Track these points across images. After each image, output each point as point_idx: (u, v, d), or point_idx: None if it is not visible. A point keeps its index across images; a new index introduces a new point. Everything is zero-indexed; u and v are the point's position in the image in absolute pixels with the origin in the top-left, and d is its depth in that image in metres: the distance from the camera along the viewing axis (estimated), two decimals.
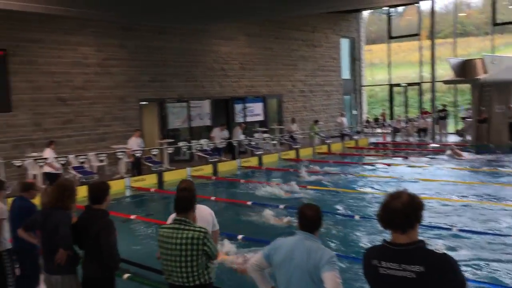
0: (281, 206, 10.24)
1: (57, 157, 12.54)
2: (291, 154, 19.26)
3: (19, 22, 14.30)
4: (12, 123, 14.27)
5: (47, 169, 12.27)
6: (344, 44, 27.33)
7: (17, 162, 12.43)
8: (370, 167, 15.79)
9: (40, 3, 11.96)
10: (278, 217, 9.41)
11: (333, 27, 26.16)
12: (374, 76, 32.45)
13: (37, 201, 5.61)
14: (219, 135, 17.91)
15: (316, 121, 22.07)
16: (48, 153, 12.61)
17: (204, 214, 4.62)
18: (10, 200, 8.79)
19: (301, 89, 24.27)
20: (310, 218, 3.26)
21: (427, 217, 8.73)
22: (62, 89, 15.40)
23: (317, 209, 3.31)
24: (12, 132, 14.25)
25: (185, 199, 3.88)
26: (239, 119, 21.10)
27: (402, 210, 2.45)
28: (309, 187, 12.35)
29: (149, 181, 14.49)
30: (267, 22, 21.95)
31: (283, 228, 8.55)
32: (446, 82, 22.35)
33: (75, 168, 13.86)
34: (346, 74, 27.65)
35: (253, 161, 17.71)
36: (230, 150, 18.43)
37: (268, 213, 9.63)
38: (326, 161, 17.32)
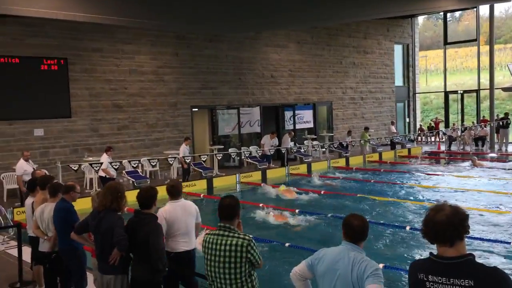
0: (329, 215, 10.17)
1: (111, 162, 13.03)
2: (341, 162, 19.06)
3: (80, 32, 15.06)
4: (71, 128, 15.03)
5: (102, 173, 12.77)
6: (398, 50, 26.76)
7: (75, 166, 13.04)
8: (422, 176, 15.36)
9: (102, 14, 12.54)
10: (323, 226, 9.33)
11: (386, 33, 25.70)
12: (429, 83, 31.56)
13: (82, 204, 5.90)
14: (269, 143, 18.01)
15: (366, 128, 21.70)
16: (105, 158, 13.12)
17: (188, 207, 5.31)
18: None
19: (352, 96, 23.98)
20: (356, 229, 3.18)
21: (479, 230, 8.41)
22: (118, 96, 16.06)
23: (363, 219, 3.23)
24: (71, 137, 15.01)
25: (229, 206, 3.90)
26: (288, 126, 21.08)
27: (448, 222, 2.39)
28: (359, 195, 12.20)
29: (199, 186, 14.77)
30: (317, 29, 21.90)
31: (329, 237, 8.48)
32: (505, 89, 21.40)
33: (128, 172, 14.36)
34: (399, 81, 27.04)
35: (302, 169, 17.67)
36: (279, 157, 18.48)
37: (311, 220, 9.57)
38: (377, 170, 17.01)
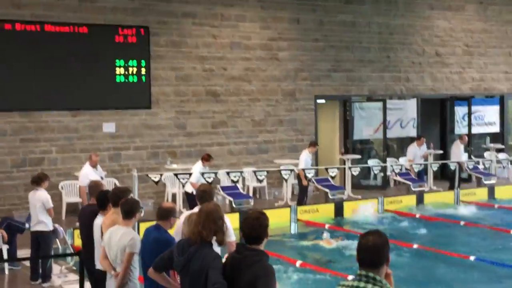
0: None
1: (204, 173, 13.42)
2: None
3: None
4: (151, 124, 15.79)
5: (189, 188, 13.20)
6: None
7: (155, 177, 13.61)
8: None
9: None
10: None
11: None
12: None
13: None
14: (414, 153, 17.59)
15: None
16: (198, 168, 13.53)
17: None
18: (142, 226, 9.75)
19: None
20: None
21: None
22: (214, 80, 16.59)
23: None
24: (150, 135, 15.76)
25: (374, 248, 3.81)
26: (460, 129, 20.39)
27: None
28: None
29: (322, 212, 14.74)
30: None
31: None
32: None
33: (224, 188, 14.67)
34: None
35: (479, 194, 16.98)
36: (444, 175, 17.92)
37: None
38: None
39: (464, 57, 20.41)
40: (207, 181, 13.41)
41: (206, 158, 13.73)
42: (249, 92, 17.07)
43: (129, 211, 6.10)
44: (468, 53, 20.47)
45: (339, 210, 14.91)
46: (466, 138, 18.89)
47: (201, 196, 6.45)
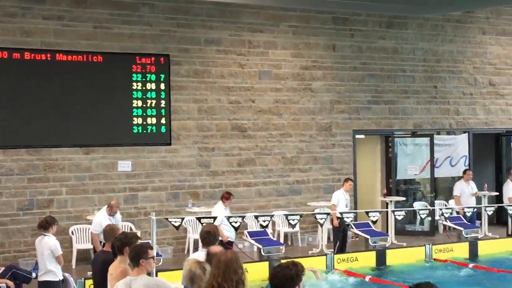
0: None
1: (230, 218, 13.35)
2: None
3: (188, 15, 15.94)
4: (170, 162, 15.81)
5: None
6: None
7: (176, 221, 13.51)
8: None
9: None
10: None
11: None
12: None
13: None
14: (461, 189, 17.40)
15: None
16: (219, 210, 13.48)
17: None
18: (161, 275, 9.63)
19: None
20: None
21: None
22: (241, 113, 16.62)
23: None
24: (169, 174, 15.77)
25: None
26: None
27: None
28: None
29: (363, 262, 14.54)
30: None
31: None
32: None
33: (252, 234, 14.56)
34: None
35: None
36: (499, 219, 17.67)
37: None
38: None
39: None
40: (233, 226, 13.35)
41: (227, 197, 13.69)
42: (280, 126, 17.07)
43: (137, 257, 6.09)
44: None
45: (381, 259, 14.69)
46: None
47: (205, 237, 6.48)
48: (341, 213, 14.92)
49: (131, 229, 14.30)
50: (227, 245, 12.98)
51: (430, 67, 18.97)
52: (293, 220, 14.84)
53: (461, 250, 15.63)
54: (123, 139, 15.36)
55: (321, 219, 14.80)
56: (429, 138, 18.73)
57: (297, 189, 17.14)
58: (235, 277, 4.80)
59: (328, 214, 14.97)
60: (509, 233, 17.10)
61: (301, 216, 15.04)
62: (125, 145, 15.37)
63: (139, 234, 11.58)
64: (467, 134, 19.50)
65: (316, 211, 15.56)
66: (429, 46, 18.94)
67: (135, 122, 15.40)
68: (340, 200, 15.37)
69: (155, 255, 7.64)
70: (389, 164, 18.64)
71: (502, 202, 17.97)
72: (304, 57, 17.37)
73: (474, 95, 19.55)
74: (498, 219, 18.59)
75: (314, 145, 17.43)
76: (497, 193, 18.91)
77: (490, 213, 17.25)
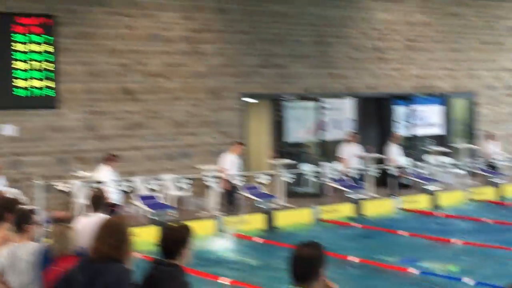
0: (466, 279, 10.12)
1: (117, 181, 13.37)
2: (488, 192, 18.69)
3: None
4: (58, 126, 15.59)
5: None
6: None
7: (60, 185, 13.43)
8: None
9: None
10: None
11: None
12: None
13: None
14: (349, 153, 18.04)
15: None
16: (105, 173, 13.49)
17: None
18: None
19: (511, 84, 23.47)
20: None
21: None
22: (130, 76, 16.52)
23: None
24: (57, 139, 15.57)
25: (307, 260, 4.00)
26: (401, 130, 20.84)
27: None
28: None
29: (253, 224, 14.92)
30: None
31: None
32: None
33: (143, 198, 14.62)
34: None
35: (421, 202, 17.46)
36: (382, 180, 18.43)
37: None
38: None
39: (405, 53, 20.99)
40: (123, 190, 13.40)
41: (112, 159, 13.64)
42: (170, 90, 17.10)
43: (20, 224, 5.95)
44: (409, 49, 21.04)
45: (269, 220, 15.11)
46: (399, 135, 19.42)
47: (94, 202, 6.43)
48: (231, 176, 15.20)
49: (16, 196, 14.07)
50: (115, 208, 13.05)
51: (320, 32, 19.29)
52: (182, 183, 15.04)
53: (345, 211, 16.30)
54: (3, 102, 14.98)
55: (212, 182, 15.06)
56: (317, 102, 19.15)
57: (188, 153, 17.26)
58: (124, 241, 4.76)
59: (218, 177, 15.20)
60: (389, 193, 17.75)
61: (191, 180, 15.26)
62: (6, 108, 15.04)
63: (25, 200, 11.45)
64: (353, 98, 20.02)
65: (207, 174, 15.79)
66: (319, 11, 19.24)
67: (17, 85, 15.05)
68: (232, 163, 15.63)
69: (41, 221, 7.52)
70: (278, 127, 18.84)
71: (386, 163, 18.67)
72: (193, 20, 17.38)
73: (360, 61, 20.09)
74: (383, 180, 19.14)
75: (204, 109, 17.55)
76: (382, 156, 19.38)
77: (374, 174, 17.88)
